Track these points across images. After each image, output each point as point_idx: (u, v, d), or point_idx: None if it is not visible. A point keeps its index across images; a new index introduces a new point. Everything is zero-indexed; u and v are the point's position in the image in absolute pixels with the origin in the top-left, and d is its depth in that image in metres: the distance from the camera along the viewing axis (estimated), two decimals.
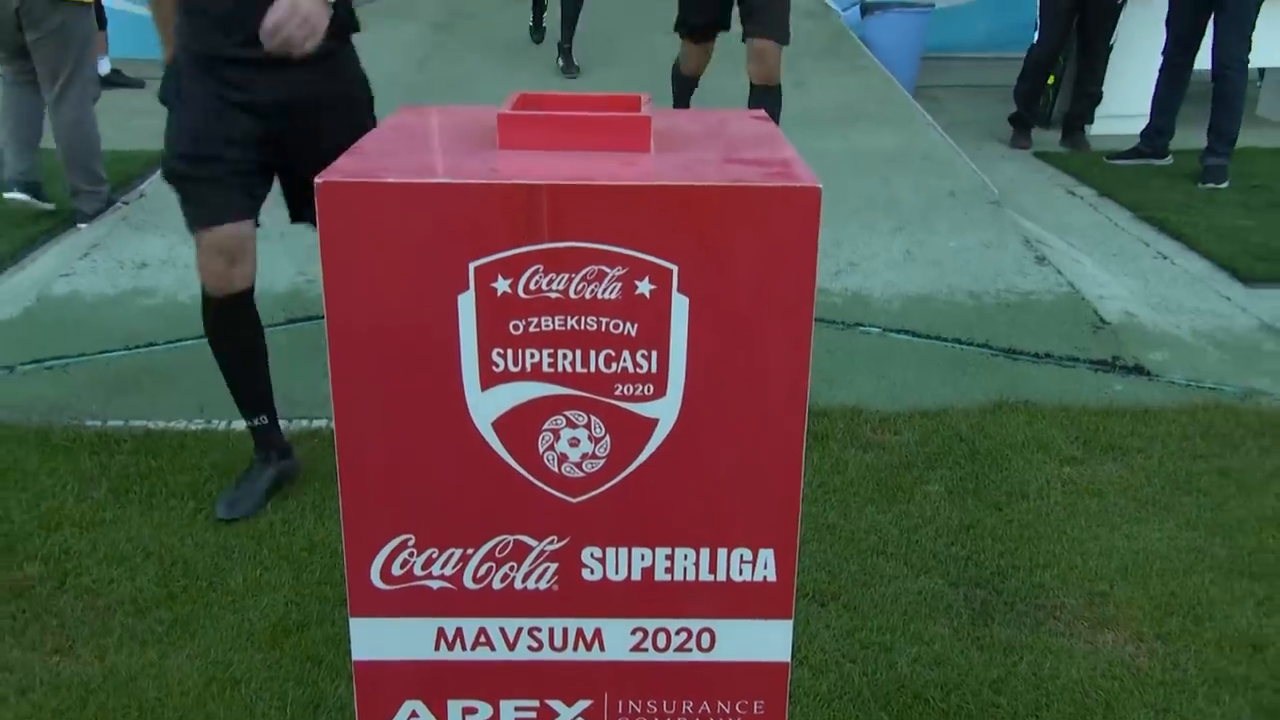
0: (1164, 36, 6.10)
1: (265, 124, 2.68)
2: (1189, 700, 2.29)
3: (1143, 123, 6.39)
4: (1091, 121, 6.91)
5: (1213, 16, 5.79)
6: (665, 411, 1.47)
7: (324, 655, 2.36)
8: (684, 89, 4.86)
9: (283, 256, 4.21)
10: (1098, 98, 6.84)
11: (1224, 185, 5.91)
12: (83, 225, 5.05)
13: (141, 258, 4.36)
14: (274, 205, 2.84)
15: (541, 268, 1.40)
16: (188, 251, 4.52)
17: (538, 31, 7.57)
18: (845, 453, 3.21)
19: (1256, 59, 5.99)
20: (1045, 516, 2.95)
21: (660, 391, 1.46)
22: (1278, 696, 2.31)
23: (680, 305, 1.42)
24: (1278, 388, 3.74)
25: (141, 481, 3.00)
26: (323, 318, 1.43)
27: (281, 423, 3.01)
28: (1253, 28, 5.75)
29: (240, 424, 3.03)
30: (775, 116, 4.50)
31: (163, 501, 2.91)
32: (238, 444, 3.11)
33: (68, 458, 3.11)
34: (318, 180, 1.38)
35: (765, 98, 4.49)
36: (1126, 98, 6.68)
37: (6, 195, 5.15)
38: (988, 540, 2.83)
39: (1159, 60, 6.17)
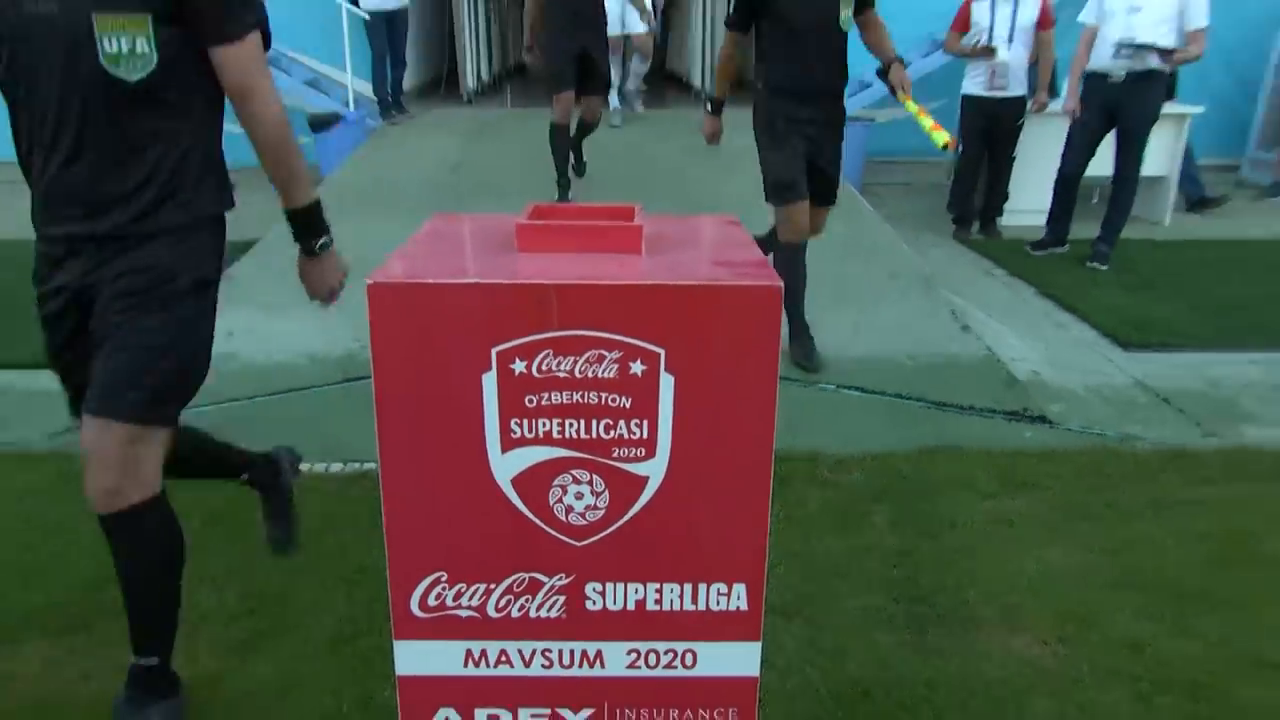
0: (1057, 152, 6.16)
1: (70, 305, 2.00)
2: (1083, 691, 2.28)
3: (1041, 216, 6.43)
4: (1002, 215, 6.99)
5: (1116, 134, 5.88)
6: (655, 470, 1.45)
7: (373, 661, 2.31)
8: (795, 265, 4.12)
9: (340, 324, 4.19)
10: (1005, 196, 6.94)
11: (1105, 268, 5.94)
12: None
13: (228, 328, 4.32)
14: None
15: (551, 352, 1.39)
16: (265, 322, 4.54)
17: (564, 178, 6.18)
18: (806, 490, 3.17)
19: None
20: (969, 542, 2.90)
21: (651, 454, 1.44)
22: (1152, 687, 2.30)
23: (667, 382, 1.41)
24: (1148, 433, 3.71)
25: (226, 515, 2.95)
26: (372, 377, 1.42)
27: (336, 466, 2.95)
28: (1145, 145, 5.86)
29: (305, 467, 2.96)
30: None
31: (243, 532, 2.86)
32: (300, 484, 3.07)
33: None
34: (369, 281, 1.36)
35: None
36: (1028, 197, 6.81)
37: None
38: (923, 563, 2.79)
39: (1051, 167, 6.23)
